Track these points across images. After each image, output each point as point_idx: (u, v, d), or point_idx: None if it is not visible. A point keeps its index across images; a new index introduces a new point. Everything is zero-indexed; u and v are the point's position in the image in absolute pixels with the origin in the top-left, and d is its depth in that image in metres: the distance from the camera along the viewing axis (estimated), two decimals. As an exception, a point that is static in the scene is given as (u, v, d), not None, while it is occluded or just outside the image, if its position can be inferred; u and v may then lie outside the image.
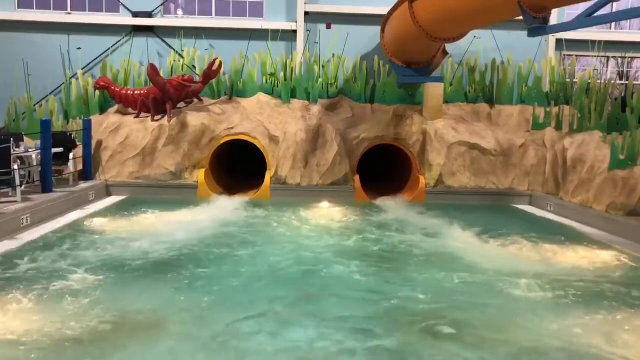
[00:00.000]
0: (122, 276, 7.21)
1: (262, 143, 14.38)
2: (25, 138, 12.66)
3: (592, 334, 5.59)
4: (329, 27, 16.49)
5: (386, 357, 4.98)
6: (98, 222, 10.42)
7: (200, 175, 13.88)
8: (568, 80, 15.64)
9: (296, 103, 15.54)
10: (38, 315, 5.77)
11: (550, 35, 16.11)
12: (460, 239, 9.59)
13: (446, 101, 15.48)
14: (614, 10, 15.86)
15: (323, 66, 15.87)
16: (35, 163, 11.84)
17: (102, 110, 15.45)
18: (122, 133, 14.21)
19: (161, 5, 16.70)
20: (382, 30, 14.86)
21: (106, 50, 16.48)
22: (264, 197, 13.68)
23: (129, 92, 14.82)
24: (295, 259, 8.17)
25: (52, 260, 7.78)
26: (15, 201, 10.12)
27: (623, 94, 13.44)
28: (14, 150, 10.91)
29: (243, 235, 9.60)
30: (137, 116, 14.56)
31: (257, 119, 14.83)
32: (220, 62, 15.09)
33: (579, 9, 14.66)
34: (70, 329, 5.44)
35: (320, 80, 15.67)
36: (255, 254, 8.42)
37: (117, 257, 8.02)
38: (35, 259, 7.78)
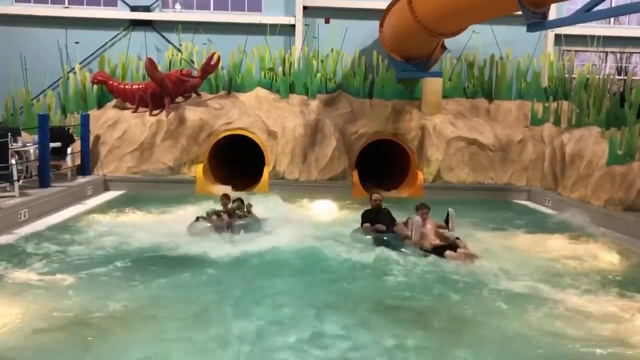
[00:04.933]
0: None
1: (260, 138, 14.36)
2: (22, 133, 12.65)
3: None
4: (327, 21, 16.45)
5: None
6: (96, 218, 10.41)
7: (198, 170, 13.87)
8: (567, 75, 15.62)
9: (294, 98, 15.51)
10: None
11: (549, 30, 16.07)
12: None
13: (445, 96, 15.45)
14: (612, 5, 15.87)
15: (321, 61, 15.84)
16: (33, 158, 11.82)
17: (100, 104, 15.40)
18: (120, 128, 14.19)
19: (159, -1, 16.68)
20: (381, 25, 14.84)
21: (104, 45, 16.43)
22: (262, 193, 13.65)
23: (127, 86, 14.79)
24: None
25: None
26: (13, 196, 10.11)
27: (621, 89, 13.42)
28: (12, 145, 10.90)
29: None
30: (135, 111, 14.52)
31: (255, 113, 14.80)
32: (219, 57, 15.05)
33: (577, 4, 14.65)
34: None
35: (318, 75, 15.63)
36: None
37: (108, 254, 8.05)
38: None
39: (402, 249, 8.20)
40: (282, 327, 5.53)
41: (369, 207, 9.41)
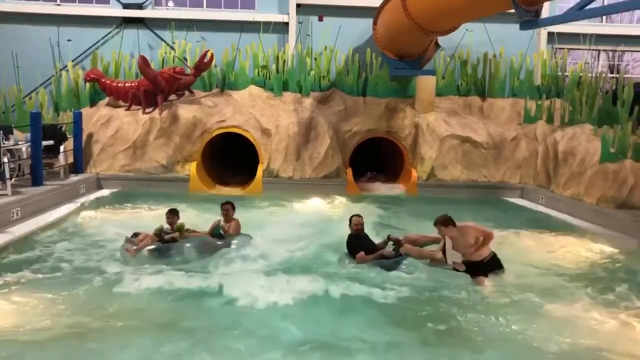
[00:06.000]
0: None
1: (254, 136, 14.34)
2: (15, 130, 12.57)
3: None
4: (321, 19, 16.42)
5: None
6: (87, 218, 10.35)
7: (191, 169, 13.83)
8: (559, 73, 15.69)
9: (288, 96, 15.49)
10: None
11: (542, 28, 16.12)
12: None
13: (438, 94, 15.48)
14: (605, 4, 15.94)
15: (315, 59, 15.82)
16: (25, 156, 11.74)
17: (93, 102, 15.32)
18: (113, 126, 14.12)
19: (152, -4, 16.60)
20: (375, 23, 14.82)
21: (96, 42, 16.33)
22: (256, 190, 13.65)
23: (119, 84, 14.72)
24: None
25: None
26: (5, 194, 10.04)
27: (614, 87, 13.50)
28: (4, 143, 10.82)
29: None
30: (128, 109, 14.46)
31: (249, 111, 14.78)
32: (212, 54, 15.00)
33: (570, 2, 14.71)
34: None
35: (312, 72, 15.61)
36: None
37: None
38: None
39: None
40: None
41: (349, 233, 7.92)
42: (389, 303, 6.24)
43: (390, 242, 7.75)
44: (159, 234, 7.75)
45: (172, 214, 8.03)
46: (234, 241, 8.15)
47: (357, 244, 7.70)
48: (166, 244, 7.67)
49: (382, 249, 7.67)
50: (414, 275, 6.99)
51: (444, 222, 7.13)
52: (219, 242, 8.00)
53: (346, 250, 7.82)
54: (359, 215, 7.98)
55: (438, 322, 5.78)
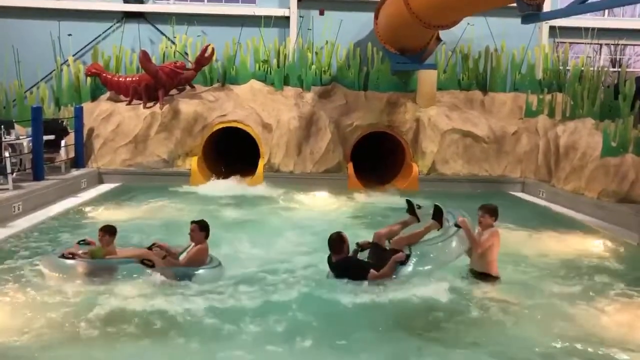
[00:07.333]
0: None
1: (255, 131, 14.34)
2: (16, 125, 12.59)
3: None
4: (322, 13, 16.37)
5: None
6: (87, 212, 10.36)
7: (193, 163, 13.84)
8: (561, 67, 15.64)
9: (289, 90, 15.47)
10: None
11: (544, 22, 16.07)
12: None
13: (439, 88, 15.43)
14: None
15: (316, 53, 15.79)
16: (26, 150, 11.76)
17: (94, 97, 15.32)
18: (114, 120, 14.13)
19: (153, -9, 16.56)
20: (376, 17, 14.80)
21: (97, 37, 16.32)
22: (257, 183, 13.65)
23: (120, 79, 14.72)
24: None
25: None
26: (7, 189, 10.06)
27: (615, 82, 13.47)
28: (5, 138, 10.84)
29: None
30: (129, 103, 14.46)
31: (249, 106, 14.78)
32: (213, 49, 14.98)
33: (572, -5, 14.61)
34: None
35: (313, 67, 15.58)
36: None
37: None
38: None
39: None
40: None
41: (333, 258, 6.56)
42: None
43: (361, 249, 6.86)
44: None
45: (103, 231, 6.59)
46: (195, 272, 6.40)
47: (357, 263, 6.63)
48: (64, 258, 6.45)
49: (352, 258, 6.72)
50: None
51: (490, 210, 6.81)
52: (149, 271, 6.35)
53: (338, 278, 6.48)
54: (343, 232, 6.69)
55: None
